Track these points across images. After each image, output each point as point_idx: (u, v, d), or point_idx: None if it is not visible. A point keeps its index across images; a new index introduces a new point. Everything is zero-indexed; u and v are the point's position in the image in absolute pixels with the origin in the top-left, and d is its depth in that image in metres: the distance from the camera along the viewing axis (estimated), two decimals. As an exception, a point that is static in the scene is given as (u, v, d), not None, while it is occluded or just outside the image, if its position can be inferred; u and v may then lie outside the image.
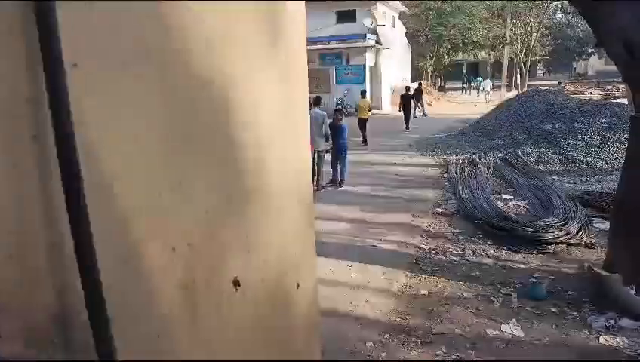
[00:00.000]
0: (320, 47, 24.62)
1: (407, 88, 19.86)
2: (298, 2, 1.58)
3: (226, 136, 1.24)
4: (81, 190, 0.82)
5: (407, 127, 18.33)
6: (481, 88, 34.73)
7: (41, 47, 0.79)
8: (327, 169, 9.64)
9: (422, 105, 22.95)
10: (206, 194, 1.18)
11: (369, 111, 14.97)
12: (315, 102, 9.52)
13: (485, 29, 34.95)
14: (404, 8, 31.20)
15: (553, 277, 5.10)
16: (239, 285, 1.30)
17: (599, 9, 4.52)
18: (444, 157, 12.14)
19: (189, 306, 1.15)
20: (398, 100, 20.21)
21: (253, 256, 1.38)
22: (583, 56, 48.98)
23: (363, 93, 16.12)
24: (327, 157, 9.68)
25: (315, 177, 9.33)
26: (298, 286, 1.63)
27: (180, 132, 1.09)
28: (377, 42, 24.99)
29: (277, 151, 1.47)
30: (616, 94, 22.95)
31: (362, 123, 14.74)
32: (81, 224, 0.83)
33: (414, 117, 21.32)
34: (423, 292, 4.89)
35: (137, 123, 0.97)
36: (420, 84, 24.52)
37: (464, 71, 45.94)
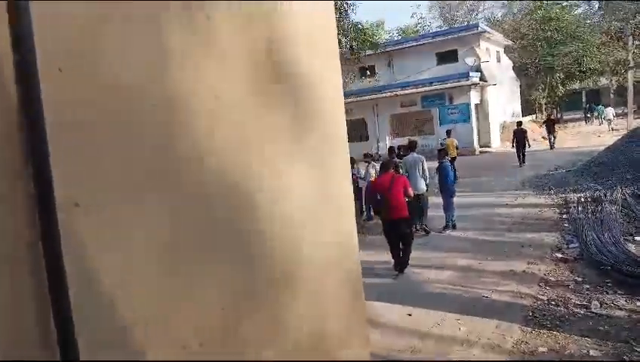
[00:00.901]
0: (421, 89, 24.59)
1: (520, 123, 18.98)
2: (335, 89, 1.61)
3: (244, 232, 1.26)
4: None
5: (520, 164, 17.61)
6: (603, 117, 31.90)
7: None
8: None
9: (554, 137, 22.24)
10: (222, 292, 1.20)
11: (457, 149, 15.96)
12: (411, 147, 9.69)
13: (603, 54, 32.40)
14: (509, 42, 30.17)
15: (703, 334, 4.36)
16: None
17: None
18: (563, 195, 11.17)
19: None
20: (510, 136, 19.48)
21: (283, 344, 1.36)
22: None
23: (448, 133, 16.76)
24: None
25: (420, 221, 9.20)
26: None
27: (192, 238, 1.13)
28: (482, 79, 24.31)
29: (310, 233, 1.47)
30: None
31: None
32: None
33: (552, 147, 21.38)
34: (541, 349, 4.45)
35: (140, 239, 1.04)
36: (549, 115, 24.02)
37: (583, 100, 42.74)
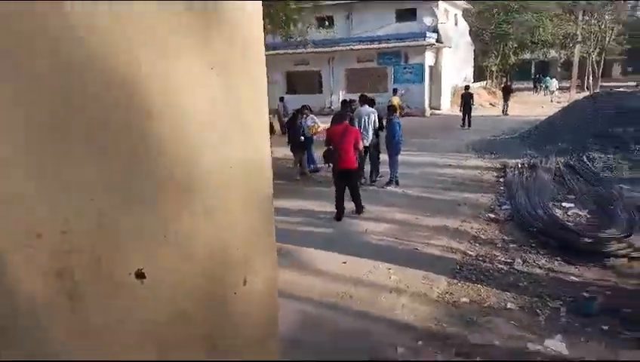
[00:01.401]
0: (377, 45, 24.42)
1: (467, 87, 19.78)
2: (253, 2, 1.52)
3: (127, 123, 1.18)
4: None
5: (463, 125, 18.67)
6: (547, 88, 33.18)
7: None
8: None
9: (507, 104, 23.34)
10: (94, 181, 1.15)
11: (400, 109, 15.83)
12: (365, 100, 9.70)
13: (555, 26, 33.25)
14: (468, 6, 30.27)
15: (609, 293, 4.74)
16: (144, 277, 1.27)
17: None
18: (503, 160, 11.64)
19: (65, 294, 1.13)
20: (459, 100, 20.12)
21: (170, 249, 1.35)
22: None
23: (395, 91, 16.88)
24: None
25: (372, 175, 9.61)
26: (245, 282, 1.59)
27: (55, 115, 1.06)
28: (438, 41, 24.40)
29: (211, 143, 1.42)
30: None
31: None
32: None
33: (506, 114, 22.41)
34: (464, 300, 4.71)
35: None
36: (507, 83, 25.06)
37: (532, 70, 44.04)
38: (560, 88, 32.72)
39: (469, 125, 18.49)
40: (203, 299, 1.46)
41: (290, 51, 23.61)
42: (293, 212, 7.69)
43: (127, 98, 1.19)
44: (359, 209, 7.51)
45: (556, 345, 3.85)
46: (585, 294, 4.73)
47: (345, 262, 5.58)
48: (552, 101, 28.47)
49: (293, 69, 26.76)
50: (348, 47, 25.00)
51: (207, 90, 1.39)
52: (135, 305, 1.28)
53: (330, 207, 7.54)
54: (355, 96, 11.28)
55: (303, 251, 5.98)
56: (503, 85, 26.95)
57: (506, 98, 23.35)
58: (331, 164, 7.72)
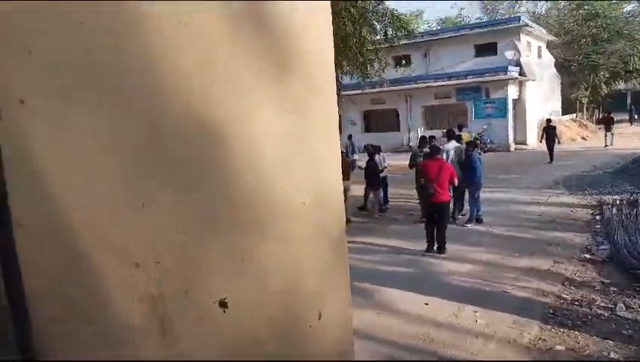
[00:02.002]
0: (456, 82, 24.03)
1: (549, 120, 18.91)
2: (323, 41, 1.56)
3: (207, 161, 1.25)
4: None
5: (551, 160, 17.68)
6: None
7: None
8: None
9: (612, 134, 22.40)
10: (181, 215, 1.20)
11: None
12: (450, 135, 9.89)
13: (653, 54, 30.91)
14: (551, 37, 29.13)
15: None
16: (227, 307, 1.29)
17: None
18: (598, 197, 10.81)
19: (157, 320, 1.17)
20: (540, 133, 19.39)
21: (249, 280, 1.36)
22: None
23: (460, 127, 16.20)
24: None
25: (457, 211, 9.44)
26: (320, 316, 1.57)
27: (148, 155, 1.13)
28: (521, 74, 23.58)
29: (283, 179, 1.46)
30: None
31: None
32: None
33: (611, 145, 21.66)
34: (559, 347, 4.34)
35: (90, 148, 1.02)
36: (609, 113, 24.22)
37: (628, 101, 41.10)
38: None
39: (551, 159, 17.56)
40: (278, 330, 1.49)
41: (367, 91, 23.93)
42: (372, 250, 7.61)
43: (207, 135, 1.28)
44: (442, 248, 7.35)
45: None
46: None
47: (427, 304, 5.38)
48: (650, 132, 26.30)
49: (370, 108, 26.99)
50: (425, 85, 24.87)
51: (280, 128, 1.46)
52: (217, 333, 1.33)
53: (411, 245, 7.42)
54: (434, 133, 11.12)
55: (383, 291, 5.86)
56: (603, 116, 25.41)
57: (607, 129, 22.28)
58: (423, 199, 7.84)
